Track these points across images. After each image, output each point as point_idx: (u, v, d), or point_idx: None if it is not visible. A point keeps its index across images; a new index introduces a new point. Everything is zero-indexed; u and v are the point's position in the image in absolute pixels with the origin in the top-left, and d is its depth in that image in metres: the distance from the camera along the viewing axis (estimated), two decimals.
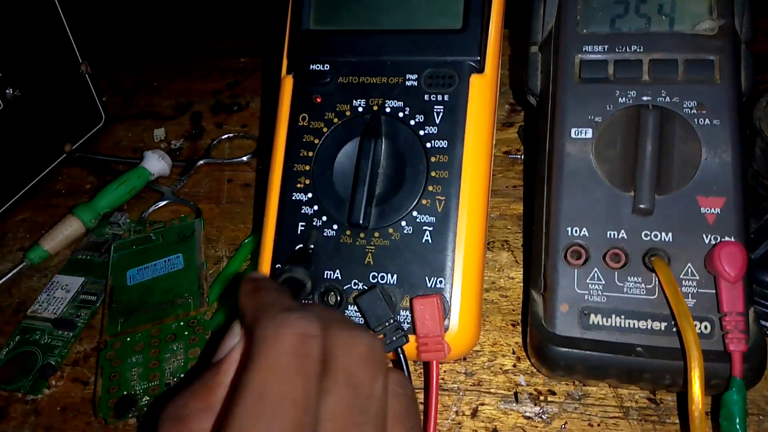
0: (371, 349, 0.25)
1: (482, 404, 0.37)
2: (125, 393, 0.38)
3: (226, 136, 0.59)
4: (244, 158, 0.56)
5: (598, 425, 0.35)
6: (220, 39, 0.75)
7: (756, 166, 0.40)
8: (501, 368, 0.38)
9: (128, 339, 0.41)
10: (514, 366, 0.38)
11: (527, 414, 0.36)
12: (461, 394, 0.37)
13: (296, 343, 0.22)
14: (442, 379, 0.38)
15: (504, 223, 0.47)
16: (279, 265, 0.38)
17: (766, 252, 0.38)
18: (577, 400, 0.36)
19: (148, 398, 0.38)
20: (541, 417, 0.36)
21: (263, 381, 0.21)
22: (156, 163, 0.54)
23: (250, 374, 0.22)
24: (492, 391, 0.37)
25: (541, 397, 0.37)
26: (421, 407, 0.36)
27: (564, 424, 0.35)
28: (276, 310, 0.24)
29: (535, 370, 0.38)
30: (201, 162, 0.56)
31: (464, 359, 0.39)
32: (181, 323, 0.41)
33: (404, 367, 0.34)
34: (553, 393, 0.37)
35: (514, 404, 0.36)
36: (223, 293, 0.44)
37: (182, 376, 0.39)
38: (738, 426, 0.30)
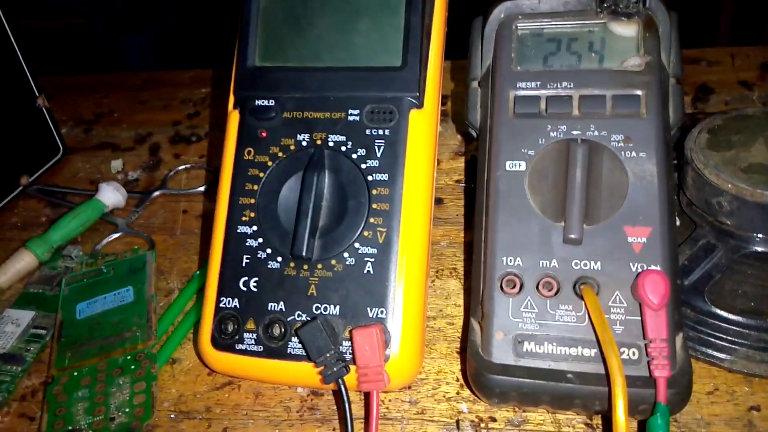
0: None
1: None
2: (70, 428, 0.38)
3: (183, 166, 0.59)
4: (201, 189, 0.56)
5: None
6: (183, 69, 0.76)
7: (689, 195, 0.41)
8: (444, 396, 0.39)
9: (75, 373, 0.41)
10: (458, 393, 0.39)
11: None
12: (404, 423, 0.38)
13: None
14: (387, 408, 0.39)
15: (453, 251, 0.48)
16: (223, 299, 0.38)
17: (699, 278, 0.40)
18: (517, 426, 0.37)
19: None
20: None
21: None
22: (110, 195, 0.54)
23: None
24: (435, 419, 0.38)
25: (482, 424, 0.37)
26: None
27: None
28: None
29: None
30: (157, 193, 0.56)
31: (409, 387, 0.39)
32: (128, 357, 0.41)
33: (344, 397, 0.34)
34: (494, 420, 0.37)
35: None
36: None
37: (127, 410, 0.39)
38: None
